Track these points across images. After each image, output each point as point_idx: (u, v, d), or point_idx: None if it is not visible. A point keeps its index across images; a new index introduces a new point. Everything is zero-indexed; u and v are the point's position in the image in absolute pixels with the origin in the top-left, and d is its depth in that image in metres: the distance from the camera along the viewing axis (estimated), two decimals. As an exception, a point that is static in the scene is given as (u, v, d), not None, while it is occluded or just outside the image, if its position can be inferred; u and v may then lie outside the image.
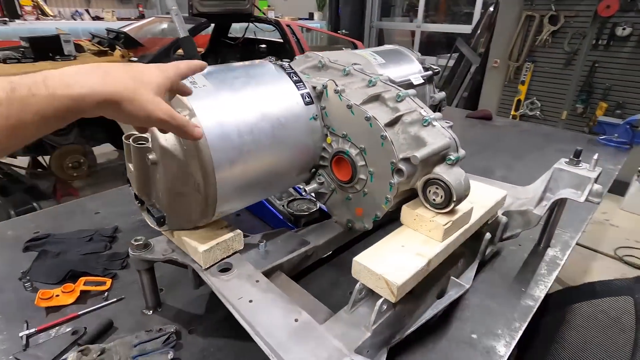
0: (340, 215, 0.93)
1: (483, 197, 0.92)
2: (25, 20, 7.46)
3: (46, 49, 2.69)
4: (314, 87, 0.83)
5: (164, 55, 3.18)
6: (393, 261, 0.69)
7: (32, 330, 0.83)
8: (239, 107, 0.72)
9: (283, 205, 1.19)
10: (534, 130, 2.46)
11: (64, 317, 0.87)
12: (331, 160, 0.85)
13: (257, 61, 0.86)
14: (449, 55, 5.17)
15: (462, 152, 0.77)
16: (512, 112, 4.13)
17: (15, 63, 2.61)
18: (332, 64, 0.91)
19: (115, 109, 0.45)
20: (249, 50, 5.03)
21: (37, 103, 0.37)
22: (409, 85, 1.05)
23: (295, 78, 0.83)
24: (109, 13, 6.34)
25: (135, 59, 3.13)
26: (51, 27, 5.36)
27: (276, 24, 4.13)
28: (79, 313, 0.89)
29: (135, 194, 0.81)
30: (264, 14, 4.22)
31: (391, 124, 0.75)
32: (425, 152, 0.69)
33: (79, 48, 3.07)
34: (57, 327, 0.85)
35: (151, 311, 0.89)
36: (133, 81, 0.47)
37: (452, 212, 0.76)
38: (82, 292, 0.94)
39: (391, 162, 0.73)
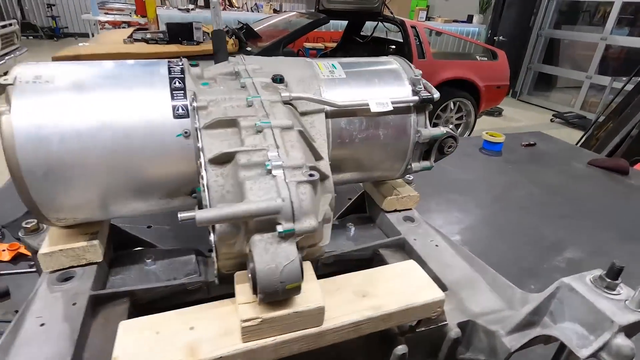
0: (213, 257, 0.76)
1: (391, 294, 0.62)
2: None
3: (178, 34, 3.13)
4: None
5: (275, 47, 3.34)
6: (152, 344, 0.51)
7: (-37, 273, 0.96)
8: (75, 110, 0.64)
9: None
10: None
11: (-10, 270, 0.98)
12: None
13: (155, 61, 0.75)
14: (627, 78, 3.94)
15: (307, 224, 0.51)
16: None
17: (154, 44, 3.12)
18: (243, 72, 0.73)
19: None
20: (378, 49, 4.89)
21: None
22: (365, 111, 0.79)
23: (177, 85, 0.70)
24: (268, 6, 7.05)
25: (249, 49, 3.37)
26: (226, 17, 6.30)
27: (400, 25, 3.86)
28: (1, 272, 0.98)
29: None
30: (392, 12, 3.99)
31: (219, 161, 0.55)
32: (215, 215, 0.48)
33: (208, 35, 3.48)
34: (-23, 278, 0.96)
35: (44, 292, 0.92)
36: None
37: (279, 304, 0.52)
38: (20, 254, 1.04)
39: (205, 213, 0.54)
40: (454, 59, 4.26)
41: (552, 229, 1.34)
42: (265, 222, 0.50)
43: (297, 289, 0.51)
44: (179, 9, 6.51)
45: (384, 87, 0.84)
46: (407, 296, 0.61)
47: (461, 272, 0.83)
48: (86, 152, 0.64)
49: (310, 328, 0.54)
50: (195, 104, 0.63)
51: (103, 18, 7.61)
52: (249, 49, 3.37)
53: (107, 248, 0.82)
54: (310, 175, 0.53)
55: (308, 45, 6.39)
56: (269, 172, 0.52)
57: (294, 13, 4.67)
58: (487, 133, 2.08)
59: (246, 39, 3.51)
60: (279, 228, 0.50)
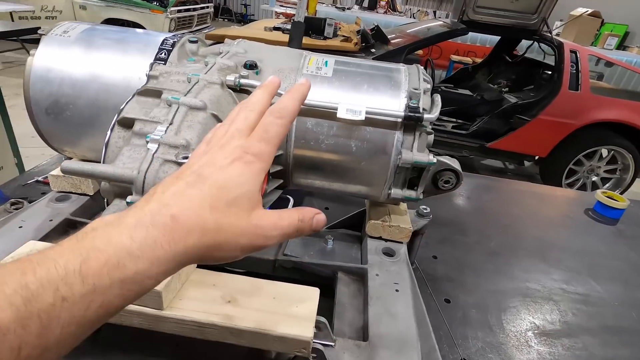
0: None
1: (257, 311, 0.55)
2: (376, 12, 9.19)
3: (309, 28, 3.34)
4: (167, 70, 0.73)
5: (397, 53, 3.24)
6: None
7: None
8: (78, 63, 0.76)
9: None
10: None
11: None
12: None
13: (160, 33, 0.83)
14: None
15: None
16: None
17: (287, 33, 3.40)
18: (225, 53, 0.75)
19: (201, 260, 0.34)
20: (529, 73, 4.28)
21: (70, 309, 0.25)
22: (335, 115, 0.71)
23: (161, 55, 0.76)
24: (422, 13, 6.86)
25: (373, 50, 3.36)
26: (384, 19, 6.44)
27: (557, 47, 3.27)
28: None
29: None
30: (551, 32, 3.40)
31: (125, 124, 0.58)
32: (77, 167, 0.50)
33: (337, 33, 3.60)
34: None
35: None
36: (214, 212, 0.33)
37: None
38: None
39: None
40: (620, 97, 3.39)
41: (619, 341, 0.98)
42: (123, 188, 0.52)
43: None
44: (337, 7, 6.90)
45: (372, 95, 0.74)
46: (270, 321, 0.54)
47: (399, 329, 0.68)
48: (75, 98, 0.75)
49: (149, 308, 0.54)
50: (148, 72, 0.67)
51: (278, 9, 8.66)
52: (373, 50, 3.36)
53: (108, 187, 0.96)
54: (185, 157, 0.52)
55: (455, 58, 5.99)
56: (147, 143, 0.53)
57: (439, 22, 4.43)
58: (603, 193, 1.63)
59: (375, 40, 3.50)
60: (129, 198, 0.50)
